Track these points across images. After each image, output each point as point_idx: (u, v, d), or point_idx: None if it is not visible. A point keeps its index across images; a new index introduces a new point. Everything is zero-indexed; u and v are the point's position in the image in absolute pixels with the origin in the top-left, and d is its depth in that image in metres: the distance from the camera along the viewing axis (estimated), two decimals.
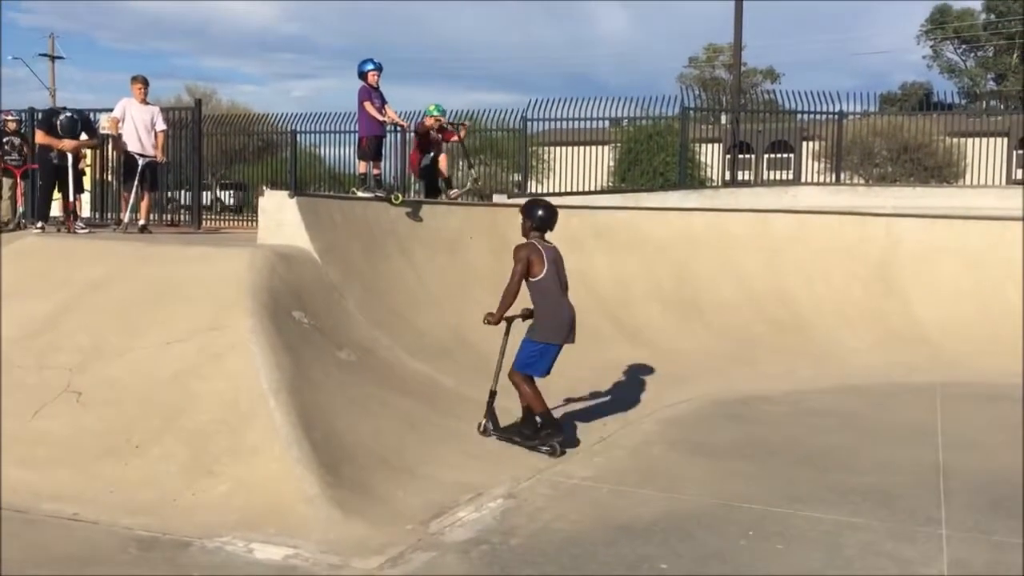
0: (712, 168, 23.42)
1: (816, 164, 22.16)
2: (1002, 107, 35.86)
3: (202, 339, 6.75)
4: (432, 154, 11.98)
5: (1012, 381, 10.18)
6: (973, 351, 11.25)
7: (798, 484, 6.35)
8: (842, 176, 19.24)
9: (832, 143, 19.31)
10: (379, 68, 10.62)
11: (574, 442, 7.23)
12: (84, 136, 11.55)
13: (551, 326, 6.96)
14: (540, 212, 7.15)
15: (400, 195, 10.33)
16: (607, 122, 20.64)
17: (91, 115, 12.67)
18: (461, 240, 10.62)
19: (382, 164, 11.13)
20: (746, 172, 24.56)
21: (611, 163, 23.14)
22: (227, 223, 20.99)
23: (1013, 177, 22.90)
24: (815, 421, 8.40)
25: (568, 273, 10.89)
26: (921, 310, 12.25)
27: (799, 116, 19.47)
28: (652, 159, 22.48)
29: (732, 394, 9.29)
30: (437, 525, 5.26)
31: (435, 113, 11.77)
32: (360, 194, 10.33)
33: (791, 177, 25.15)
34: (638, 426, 7.92)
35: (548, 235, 7.22)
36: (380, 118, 10.49)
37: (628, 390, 9.09)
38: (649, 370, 9.78)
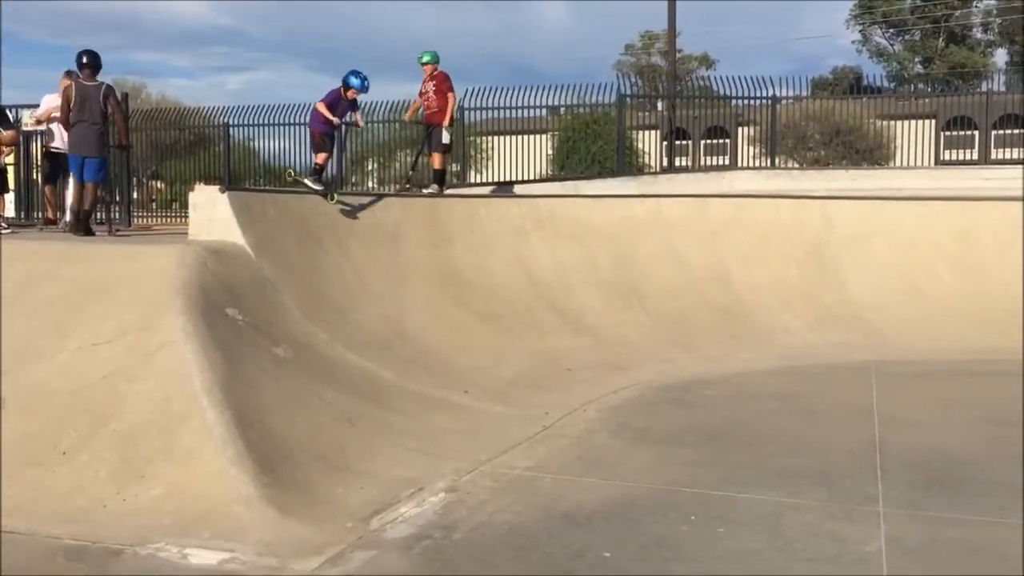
0: (650, 155, 23.57)
1: (752, 149, 22.42)
2: (929, 90, 36.65)
3: (131, 339, 6.56)
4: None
5: (943, 358, 10.42)
6: (906, 329, 11.48)
7: (740, 467, 6.39)
8: (777, 160, 19.48)
9: (766, 128, 19.53)
10: (363, 89, 10.58)
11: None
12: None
13: None
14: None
15: (336, 195, 10.10)
16: (545, 111, 20.65)
17: (10, 110, 12.24)
18: (400, 233, 10.49)
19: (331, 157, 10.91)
20: (684, 158, 24.76)
21: (550, 151, 23.16)
22: (160, 220, 20.54)
23: (941, 158, 23.43)
24: (756, 404, 8.48)
25: (509, 262, 10.94)
26: (856, 290, 12.45)
27: (734, 102, 19.67)
28: (590, 147, 22.55)
29: (674, 379, 9.34)
30: (378, 522, 5.18)
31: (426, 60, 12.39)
32: (307, 182, 10.19)
33: (728, 162, 25.39)
34: (580, 414, 7.90)
35: None
36: (331, 118, 10.38)
37: (570, 378, 9.08)
38: (591, 358, 9.78)
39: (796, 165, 20.53)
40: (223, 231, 8.41)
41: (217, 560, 4.60)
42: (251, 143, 21.48)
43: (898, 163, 20.48)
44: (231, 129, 20.32)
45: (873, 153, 21.87)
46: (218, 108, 20.87)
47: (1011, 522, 5.27)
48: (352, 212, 10.11)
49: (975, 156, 20.67)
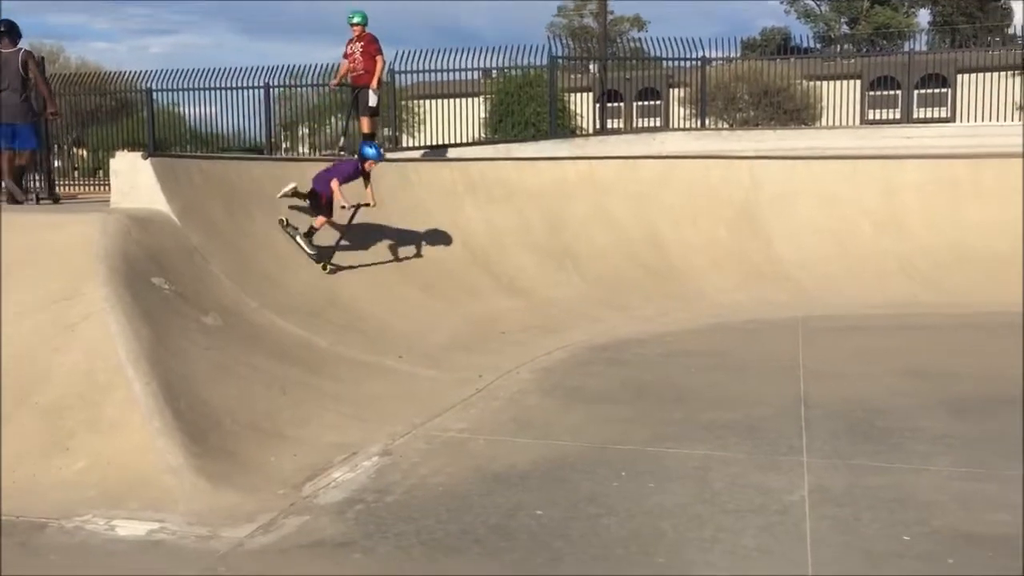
0: (583, 117, 23.60)
1: (683, 110, 22.61)
2: (854, 50, 37.22)
3: (54, 310, 6.38)
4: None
5: (866, 313, 10.71)
6: (831, 286, 11.76)
7: (670, 423, 6.51)
8: (707, 121, 19.66)
9: (697, 89, 19.68)
10: (380, 157, 9.91)
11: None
12: None
13: None
14: None
15: (330, 265, 9.38)
16: (478, 73, 20.51)
17: None
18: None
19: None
20: (617, 120, 24.85)
21: (483, 115, 23.04)
22: (84, 188, 19.97)
23: (866, 117, 23.89)
24: (687, 361, 8.62)
25: (442, 226, 10.88)
26: (783, 248, 12.68)
27: (665, 63, 19.75)
28: (524, 109, 22.49)
29: (607, 339, 9.44)
30: (311, 488, 5.17)
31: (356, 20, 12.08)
32: (299, 241, 9.25)
33: (660, 124, 25.62)
34: (514, 376, 7.95)
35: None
36: (344, 202, 9.45)
37: (504, 341, 9.12)
38: (524, 320, 9.83)
39: (726, 126, 20.76)
40: (147, 198, 8.22)
41: (145, 531, 4.55)
42: (177, 108, 20.96)
43: (825, 123, 20.82)
44: (155, 94, 19.78)
45: (801, 113, 22.22)
46: (141, 72, 20.29)
47: (932, 469, 5.47)
48: (281, 175, 9.93)
49: (898, 115, 21.11)
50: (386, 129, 19.55)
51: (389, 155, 14.08)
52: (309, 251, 9.30)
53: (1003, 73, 19.23)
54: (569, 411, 6.92)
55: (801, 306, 11.02)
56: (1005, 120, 18.23)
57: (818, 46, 35.82)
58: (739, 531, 4.57)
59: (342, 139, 13.38)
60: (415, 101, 23.19)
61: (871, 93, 23.28)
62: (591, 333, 9.64)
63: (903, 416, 6.66)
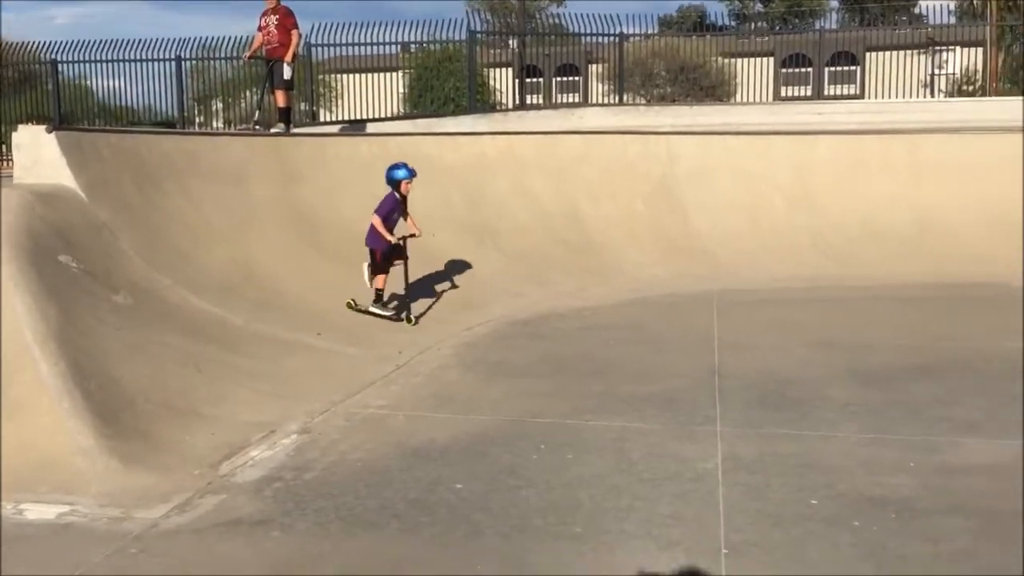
0: (504, 93, 23.56)
1: (602, 86, 22.74)
2: (768, 28, 37.92)
3: None
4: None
5: (779, 286, 10.97)
6: (745, 261, 12.01)
7: (589, 396, 6.60)
8: (625, 97, 19.82)
9: (615, 65, 19.80)
10: (413, 174, 9.09)
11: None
12: None
13: None
14: None
15: (415, 318, 8.90)
16: (397, 48, 20.30)
17: None
18: (245, 173, 10.16)
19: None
20: (537, 96, 24.87)
21: (403, 90, 22.82)
22: None
23: (780, 94, 24.39)
24: (606, 335, 8.73)
25: (361, 202, 10.66)
26: (699, 224, 12.88)
27: (584, 39, 19.82)
28: (443, 85, 22.36)
29: (528, 314, 9.50)
30: (227, 467, 5.11)
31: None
32: (374, 310, 8.81)
33: (580, 99, 25.70)
34: (435, 351, 7.96)
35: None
36: (389, 238, 8.78)
37: (424, 317, 9.10)
38: (445, 296, 9.82)
39: (644, 101, 20.95)
40: (52, 173, 7.93)
41: (55, 514, 4.44)
42: (85, 81, 20.27)
43: (740, 99, 21.19)
44: (61, 66, 19.08)
45: (716, 90, 22.54)
46: (45, 43, 19.55)
47: (839, 436, 5.66)
48: (192, 150, 9.69)
49: (810, 92, 21.57)
50: (303, 104, 19.24)
51: (305, 130, 13.91)
52: (387, 314, 8.81)
53: (909, 51, 19.84)
54: (490, 386, 6.96)
55: (717, 280, 11.24)
56: (911, 97, 18.81)
57: (733, 24, 36.34)
58: (655, 499, 4.67)
59: (256, 113, 13.11)
60: (333, 75, 22.84)
61: (784, 70, 23.75)
62: (512, 308, 9.69)
63: (813, 385, 6.87)
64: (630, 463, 5.20)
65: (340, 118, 19.96)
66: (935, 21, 21.65)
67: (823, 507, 4.54)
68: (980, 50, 23.10)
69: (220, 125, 21.40)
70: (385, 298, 8.94)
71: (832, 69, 22.98)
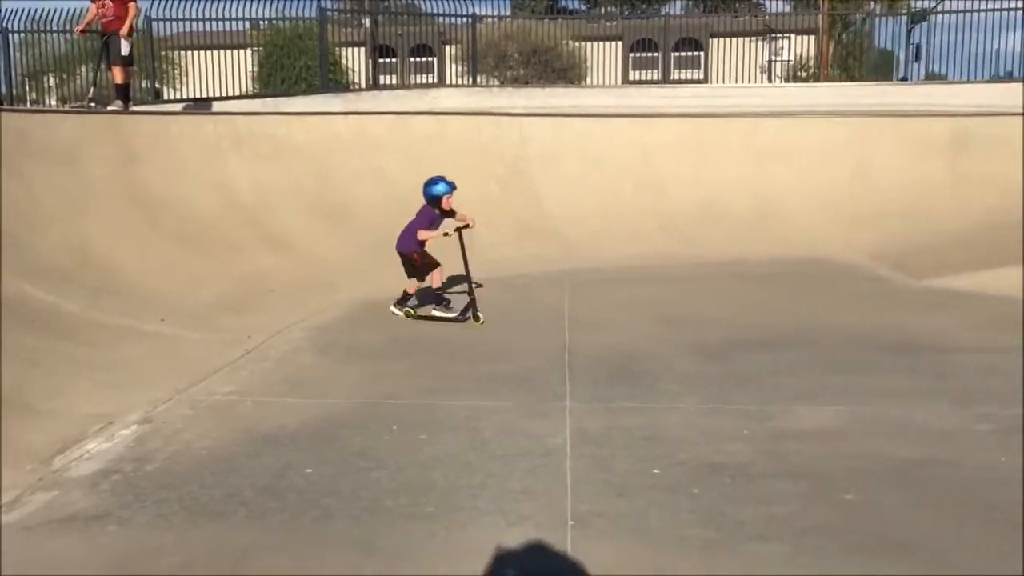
0: (357, 72, 23.22)
1: (456, 67, 22.71)
2: (617, 13, 38.72)
3: None
4: None
5: (626, 265, 11.29)
6: (595, 241, 12.29)
7: (443, 377, 6.62)
8: (479, 78, 19.87)
9: (468, 46, 19.81)
10: (453, 187, 8.65)
11: None
12: None
13: None
14: None
15: (480, 316, 8.46)
16: (246, 24, 19.67)
17: None
18: (79, 152, 9.66)
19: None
20: (391, 76, 24.63)
21: (252, 68, 22.16)
22: None
23: (629, 78, 24.99)
24: None
25: (205, 182, 10.36)
26: (551, 205, 13.10)
27: (438, 19, 19.74)
28: (294, 63, 21.84)
29: (381, 296, 9.41)
30: (61, 461, 4.86)
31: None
32: (436, 313, 8.58)
33: (435, 80, 25.61)
34: (286, 335, 7.80)
35: None
36: (439, 234, 8.58)
37: (275, 300, 8.92)
38: (296, 278, 9.65)
39: (497, 83, 21.06)
40: None
41: None
42: None
43: (591, 82, 21.59)
44: None
45: (568, 72, 22.90)
46: None
47: (681, 407, 5.87)
48: (19, 128, 9.13)
49: (658, 76, 22.19)
50: (145, 81, 18.41)
51: (146, 108, 13.30)
52: (452, 316, 8.51)
53: (749, 39, 20.67)
54: (343, 369, 6.88)
55: (568, 260, 11.46)
56: (750, 82, 19.62)
57: (584, 8, 36.93)
58: (506, 476, 4.73)
59: (91, 90, 12.46)
60: (178, 52, 21.93)
61: (633, 55, 24.35)
62: (366, 290, 9.60)
63: (658, 360, 7.11)
64: (483, 441, 5.25)
65: (185, 96, 19.21)
66: (772, 10, 22.65)
67: (665, 476, 4.71)
68: (813, 38, 24.32)
69: (53, 102, 20.23)
70: (412, 297, 8.78)
71: (678, 54, 23.72)
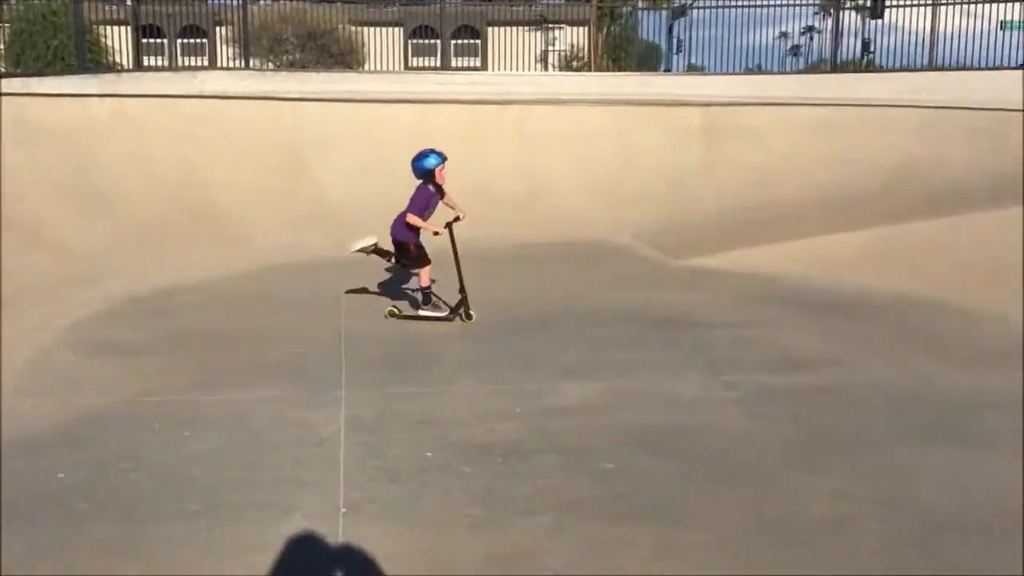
0: (122, 52, 21.86)
1: (229, 49, 21.83)
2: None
3: None
4: None
5: None
6: (371, 227, 12.20)
7: (212, 370, 6.41)
8: (252, 62, 19.22)
9: (240, 28, 19.12)
10: (443, 159, 7.96)
11: None
12: None
13: None
14: None
15: (471, 313, 7.87)
16: None
17: None
18: None
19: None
20: (159, 57, 23.38)
21: (1, 45, 20.41)
22: None
23: (410, 64, 24.98)
24: (232, 306, 8.51)
25: None
26: (328, 191, 12.90)
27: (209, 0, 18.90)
28: (49, 41, 20.28)
29: (147, 289, 8.98)
30: None
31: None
32: (424, 313, 7.98)
33: (207, 63, 24.53)
34: (39, 334, 7.26)
35: None
36: (438, 231, 7.87)
37: (27, 298, 8.27)
38: (52, 273, 9.00)
39: (272, 67, 20.49)
40: None
41: None
42: None
43: (371, 68, 21.40)
44: None
45: (346, 57, 22.57)
46: None
47: (454, 389, 5.99)
48: None
49: (438, 63, 22.28)
50: None
51: None
52: (440, 315, 7.86)
53: (526, 28, 21.18)
54: (102, 366, 6.51)
55: (345, 246, 11.31)
56: (527, 70, 20.12)
57: None
58: (276, 467, 4.66)
59: None
60: None
61: (413, 41, 24.35)
62: (129, 283, 9.10)
63: (432, 344, 7.23)
64: (253, 434, 5.14)
65: None
66: (547, 0, 23.30)
67: (437, 458, 4.79)
68: (585, 29, 25.24)
69: None
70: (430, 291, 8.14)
71: (457, 42, 23.94)
